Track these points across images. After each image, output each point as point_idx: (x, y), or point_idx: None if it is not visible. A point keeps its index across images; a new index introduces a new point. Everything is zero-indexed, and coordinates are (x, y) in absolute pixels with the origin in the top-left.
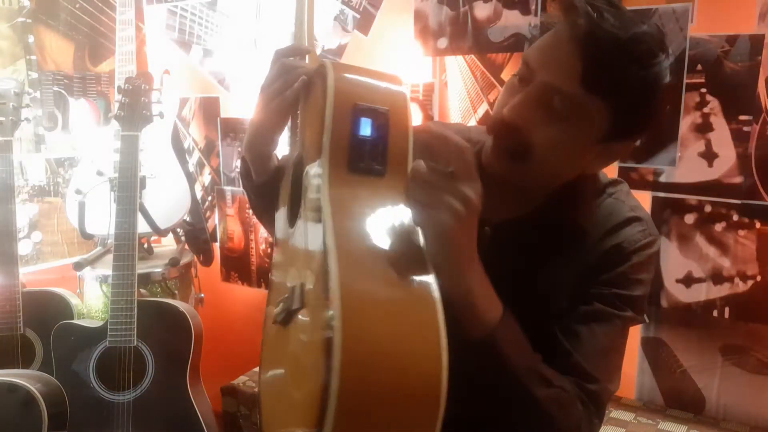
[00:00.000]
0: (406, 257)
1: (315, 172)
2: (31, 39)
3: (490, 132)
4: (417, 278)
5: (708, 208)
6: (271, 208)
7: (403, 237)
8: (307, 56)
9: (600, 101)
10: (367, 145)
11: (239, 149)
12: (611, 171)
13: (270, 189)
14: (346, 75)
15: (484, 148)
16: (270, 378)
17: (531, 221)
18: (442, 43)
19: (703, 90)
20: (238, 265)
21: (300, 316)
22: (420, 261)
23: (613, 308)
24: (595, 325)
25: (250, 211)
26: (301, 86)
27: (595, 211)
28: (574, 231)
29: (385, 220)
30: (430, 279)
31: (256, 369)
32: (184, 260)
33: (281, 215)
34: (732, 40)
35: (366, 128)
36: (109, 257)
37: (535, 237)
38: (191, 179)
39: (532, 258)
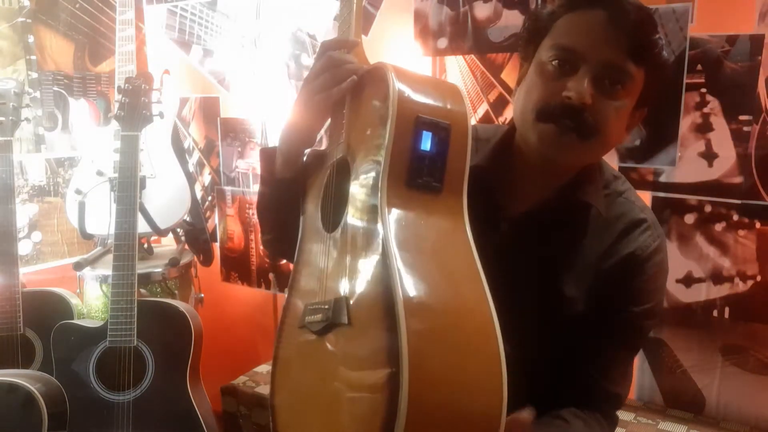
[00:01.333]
0: (466, 286)
1: (368, 181)
2: (31, 39)
3: (548, 118)
4: (477, 309)
5: (708, 208)
6: (285, 205)
7: (463, 265)
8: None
9: (642, 71)
10: (427, 161)
11: (239, 149)
12: None
13: (290, 186)
14: (409, 84)
15: (521, 140)
16: (296, 387)
17: (548, 208)
18: (442, 43)
19: (703, 90)
20: (238, 265)
21: (345, 334)
22: (479, 290)
23: (635, 329)
24: (621, 346)
25: (251, 211)
26: (349, 86)
27: (601, 194)
28: (587, 212)
29: (445, 247)
30: (490, 308)
31: (257, 369)
32: (184, 260)
33: (312, 215)
34: (732, 40)
35: (427, 143)
36: (109, 257)
37: (551, 226)
38: (191, 179)
39: (548, 247)
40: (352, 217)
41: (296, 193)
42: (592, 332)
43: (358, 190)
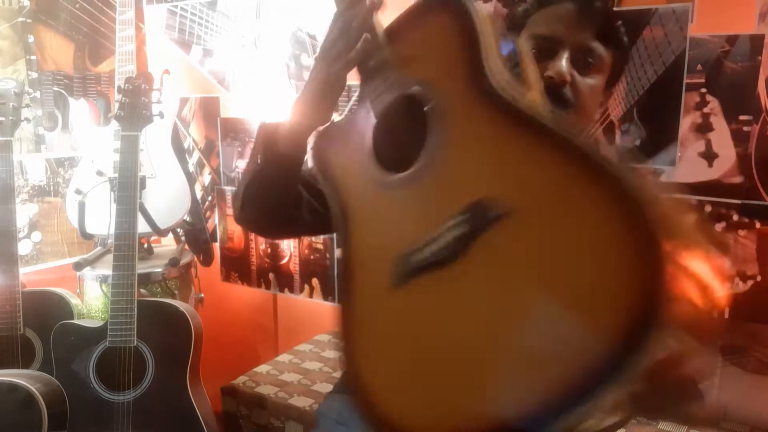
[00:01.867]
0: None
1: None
2: (31, 39)
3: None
4: None
5: (708, 208)
6: (282, 181)
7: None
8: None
9: (610, 53)
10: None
11: (239, 149)
12: None
13: (293, 163)
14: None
15: None
16: (419, 356)
17: None
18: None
19: (703, 90)
20: (238, 265)
21: (519, 227)
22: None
23: None
24: None
25: None
26: (365, 46)
27: None
28: None
29: None
30: None
31: (257, 369)
32: (184, 260)
33: (357, 173)
34: (732, 40)
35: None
36: (109, 257)
37: None
38: (191, 179)
39: None
40: (437, 148)
41: (296, 171)
42: None
43: (454, 112)
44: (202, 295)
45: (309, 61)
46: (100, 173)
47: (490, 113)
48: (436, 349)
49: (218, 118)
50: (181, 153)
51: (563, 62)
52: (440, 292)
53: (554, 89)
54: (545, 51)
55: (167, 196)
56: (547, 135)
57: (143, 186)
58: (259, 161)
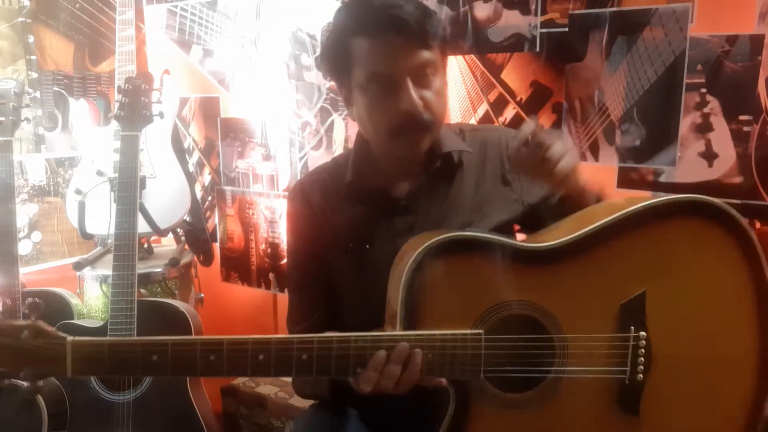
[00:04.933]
0: None
1: None
2: (31, 39)
3: (399, 134)
4: None
5: None
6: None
7: None
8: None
9: (436, 50)
10: None
11: (239, 149)
12: (612, 172)
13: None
14: None
15: (379, 150)
16: None
17: (430, 175)
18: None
19: (703, 90)
20: (238, 265)
21: None
22: None
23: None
24: None
25: (251, 211)
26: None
27: (458, 141)
28: (456, 158)
29: None
30: None
31: None
32: (184, 260)
33: None
34: (732, 40)
35: None
36: (109, 257)
37: (442, 183)
38: (191, 179)
39: (453, 197)
40: None
41: None
42: None
43: None
44: (202, 295)
45: (309, 61)
46: (100, 173)
47: None
48: None
49: (218, 118)
50: (181, 153)
51: (412, 92)
52: None
53: (415, 120)
54: (388, 87)
55: (167, 196)
56: None
57: (143, 186)
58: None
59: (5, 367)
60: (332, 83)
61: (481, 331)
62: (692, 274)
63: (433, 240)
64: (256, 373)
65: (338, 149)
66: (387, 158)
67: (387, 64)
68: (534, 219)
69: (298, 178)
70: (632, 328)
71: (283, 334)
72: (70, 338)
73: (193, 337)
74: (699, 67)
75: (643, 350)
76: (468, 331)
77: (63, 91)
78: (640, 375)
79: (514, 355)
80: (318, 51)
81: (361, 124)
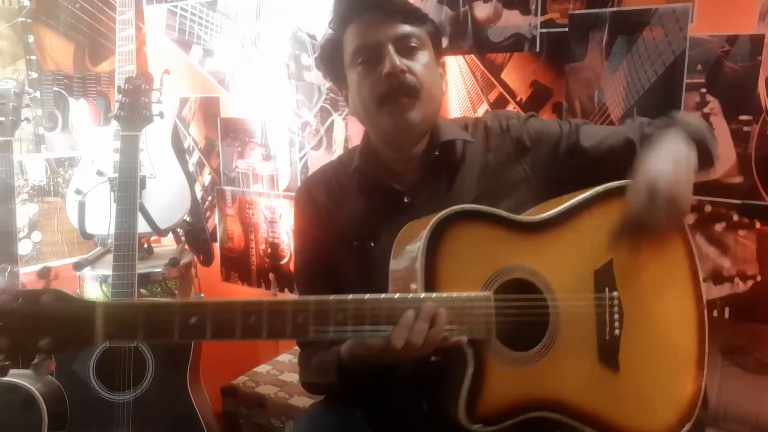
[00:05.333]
0: None
1: None
2: (31, 39)
3: (385, 101)
4: None
5: (708, 208)
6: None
7: None
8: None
9: (422, 29)
10: None
11: (239, 149)
12: None
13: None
14: None
15: (377, 139)
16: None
17: (431, 165)
18: (442, 43)
19: (703, 90)
20: (238, 265)
21: None
22: None
23: (571, 124)
24: (585, 128)
25: (251, 211)
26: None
27: (461, 130)
28: (458, 147)
29: None
30: None
31: (257, 369)
32: (184, 260)
33: None
34: (732, 40)
35: None
36: (109, 257)
37: (444, 174)
38: (191, 179)
39: (455, 188)
40: None
41: None
42: (579, 156)
43: None
44: (202, 295)
45: (309, 61)
46: (100, 173)
47: None
48: None
49: (218, 118)
50: (181, 153)
51: (393, 56)
52: None
53: (398, 83)
54: (374, 57)
55: (167, 196)
56: None
57: (143, 186)
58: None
59: (21, 337)
60: (331, 83)
61: (490, 293)
62: (645, 244)
63: (446, 211)
64: (295, 336)
65: (338, 149)
66: (384, 142)
67: (369, 36)
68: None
69: (298, 178)
70: (606, 289)
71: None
72: (100, 302)
73: (233, 299)
74: (699, 67)
75: (617, 308)
76: (481, 293)
77: (63, 91)
78: (617, 330)
79: (518, 314)
80: (318, 51)
81: (356, 111)
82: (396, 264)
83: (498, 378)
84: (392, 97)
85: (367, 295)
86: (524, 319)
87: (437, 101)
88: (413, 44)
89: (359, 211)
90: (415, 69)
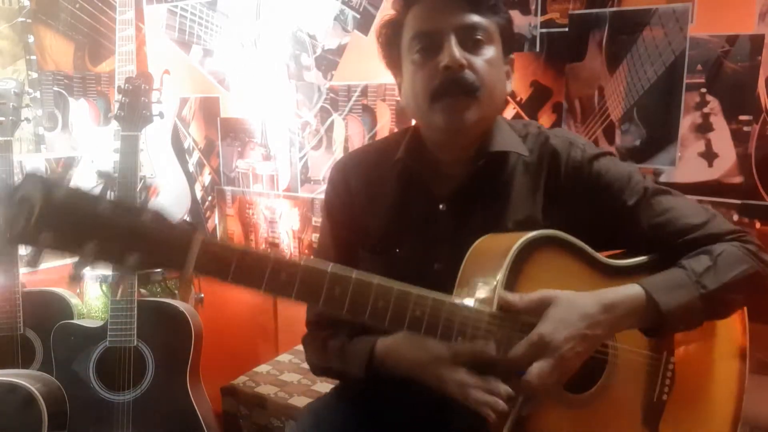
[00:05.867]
0: None
1: None
2: (31, 39)
3: (440, 96)
4: None
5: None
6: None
7: None
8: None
9: (493, 22)
10: None
11: (239, 149)
12: None
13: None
14: None
15: (427, 133)
16: None
17: (475, 175)
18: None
19: (703, 90)
20: None
21: None
22: None
23: (643, 189)
24: (654, 200)
25: (251, 211)
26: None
27: (517, 140)
28: (509, 160)
29: None
30: None
31: (257, 369)
32: None
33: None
34: (732, 40)
35: None
36: None
37: (484, 187)
38: (191, 179)
39: (494, 206)
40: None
41: None
42: (628, 225)
43: None
44: (202, 295)
45: (309, 61)
46: (100, 173)
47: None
48: None
49: (218, 118)
50: (181, 153)
51: (453, 48)
52: None
53: (456, 79)
54: (430, 46)
55: (167, 196)
56: None
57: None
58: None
59: (114, 245)
60: (388, 69)
61: None
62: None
63: (539, 232)
64: (371, 320)
65: (338, 149)
66: (434, 140)
67: (431, 22)
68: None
69: (299, 178)
70: (665, 353)
71: (287, 335)
72: (200, 232)
73: (325, 265)
74: (699, 67)
75: (670, 372)
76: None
77: (63, 91)
78: (665, 396)
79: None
80: (318, 51)
81: (408, 103)
82: (466, 271)
83: (547, 416)
84: (448, 93)
85: (451, 299)
86: (586, 361)
87: (498, 102)
88: (479, 36)
89: (391, 209)
90: (476, 65)
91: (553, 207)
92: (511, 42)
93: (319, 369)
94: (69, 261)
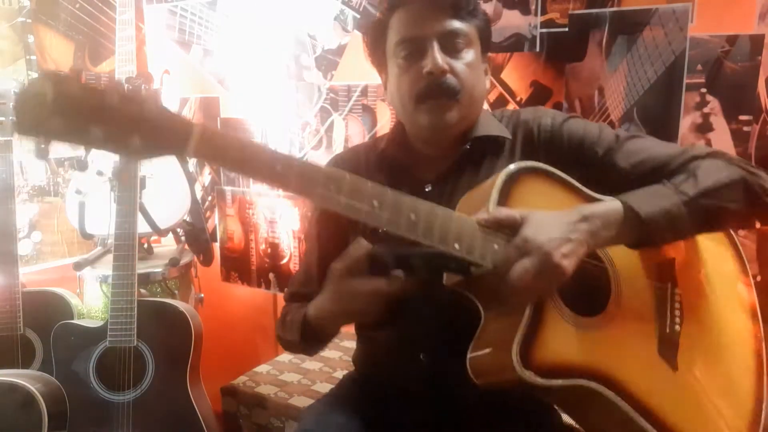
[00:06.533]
0: None
1: None
2: (31, 39)
3: (424, 98)
4: None
5: None
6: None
7: None
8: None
9: (472, 25)
10: None
11: None
12: None
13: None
14: None
15: (412, 130)
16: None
17: (460, 161)
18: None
19: (703, 90)
20: (238, 265)
21: None
22: None
23: (613, 134)
24: (628, 143)
25: (251, 211)
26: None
27: (498, 125)
28: (495, 143)
29: None
30: None
31: (257, 369)
32: (184, 260)
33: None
34: (732, 40)
35: None
36: (109, 257)
37: (470, 172)
38: (191, 179)
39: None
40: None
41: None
42: (609, 172)
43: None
44: (202, 295)
45: (309, 61)
46: (100, 173)
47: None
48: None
49: (218, 118)
50: None
51: (436, 55)
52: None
53: (438, 83)
54: (417, 51)
55: (167, 196)
56: None
57: (143, 186)
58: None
59: (119, 130)
60: (372, 65)
61: None
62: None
63: (522, 162)
64: (369, 218)
65: (338, 149)
66: (417, 136)
67: (415, 28)
68: None
69: None
70: (669, 284)
71: None
72: (199, 123)
73: (320, 165)
74: (699, 67)
75: (678, 303)
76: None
77: None
78: (677, 326)
79: (581, 280)
80: (318, 51)
81: (392, 102)
82: (461, 209)
83: (555, 332)
84: (431, 96)
85: (439, 207)
86: (584, 280)
87: (478, 101)
88: (460, 41)
89: None
90: (457, 69)
91: None
92: (488, 41)
93: (282, 342)
94: (69, 261)
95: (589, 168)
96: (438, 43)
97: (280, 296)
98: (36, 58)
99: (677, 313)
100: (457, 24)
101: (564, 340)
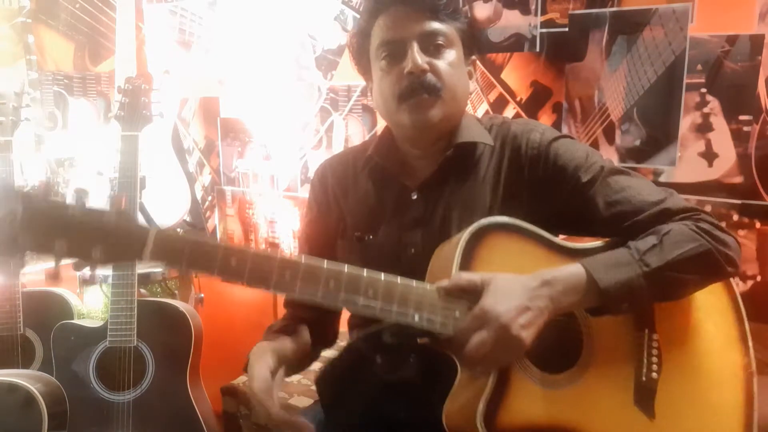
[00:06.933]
0: None
1: None
2: (31, 39)
3: (406, 97)
4: None
5: (708, 208)
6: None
7: None
8: None
9: (451, 26)
10: None
11: (239, 149)
12: None
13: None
14: None
15: (398, 132)
16: None
17: (445, 166)
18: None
19: (703, 90)
20: None
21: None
22: None
23: (600, 169)
24: (611, 179)
25: (251, 211)
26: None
27: (483, 132)
28: (476, 150)
29: None
30: None
31: None
32: None
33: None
34: (732, 40)
35: None
36: None
37: (455, 176)
38: (191, 179)
39: (461, 192)
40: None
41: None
42: (586, 204)
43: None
44: (202, 295)
45: (309, 61)
46: (100, 173)
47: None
48: None
49: (218, 118)
50: (181, 153)
51: (416, 55)
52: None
53: (419, 82)
54: (397, 53)
55: (167, 196)
56: None
57: (143, 186)
58: None
59: (80, 243)
60: (359, 73)
61: None
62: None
63: (486, 219)
64: (325, 300)
65: (338, 149)
66: (403, 136)
67: (395, 31)
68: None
69: (299, 178)
70: (646, 330)
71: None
72: (155, 228)
73: (274, 252)
74: (699, 67)
75: (655, 350)
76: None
77: (63, 91)
78: (654, 374)
79: (550, 336)
80: (318, 51)
81: (377, 105)
82: (432, 266)
83: (521, 394)
84: (412, 94)
85: (400, 279)
86: (554, 336)
87: (461, 100)
88: (440, 41)
89: (365, 201)
90: (438, 67)
91: (517, 190)
92: (472, 45)
93: None
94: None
95: (570, 194)
96: (418, 44)
97: (280, 296)
98: (36, 58)
99: (654, 360)
100: (436, 25)
101: (530, 401)
